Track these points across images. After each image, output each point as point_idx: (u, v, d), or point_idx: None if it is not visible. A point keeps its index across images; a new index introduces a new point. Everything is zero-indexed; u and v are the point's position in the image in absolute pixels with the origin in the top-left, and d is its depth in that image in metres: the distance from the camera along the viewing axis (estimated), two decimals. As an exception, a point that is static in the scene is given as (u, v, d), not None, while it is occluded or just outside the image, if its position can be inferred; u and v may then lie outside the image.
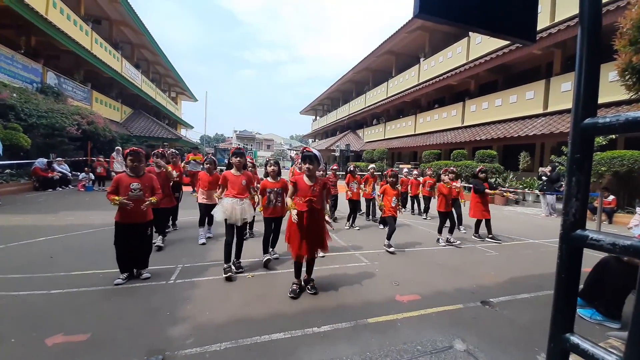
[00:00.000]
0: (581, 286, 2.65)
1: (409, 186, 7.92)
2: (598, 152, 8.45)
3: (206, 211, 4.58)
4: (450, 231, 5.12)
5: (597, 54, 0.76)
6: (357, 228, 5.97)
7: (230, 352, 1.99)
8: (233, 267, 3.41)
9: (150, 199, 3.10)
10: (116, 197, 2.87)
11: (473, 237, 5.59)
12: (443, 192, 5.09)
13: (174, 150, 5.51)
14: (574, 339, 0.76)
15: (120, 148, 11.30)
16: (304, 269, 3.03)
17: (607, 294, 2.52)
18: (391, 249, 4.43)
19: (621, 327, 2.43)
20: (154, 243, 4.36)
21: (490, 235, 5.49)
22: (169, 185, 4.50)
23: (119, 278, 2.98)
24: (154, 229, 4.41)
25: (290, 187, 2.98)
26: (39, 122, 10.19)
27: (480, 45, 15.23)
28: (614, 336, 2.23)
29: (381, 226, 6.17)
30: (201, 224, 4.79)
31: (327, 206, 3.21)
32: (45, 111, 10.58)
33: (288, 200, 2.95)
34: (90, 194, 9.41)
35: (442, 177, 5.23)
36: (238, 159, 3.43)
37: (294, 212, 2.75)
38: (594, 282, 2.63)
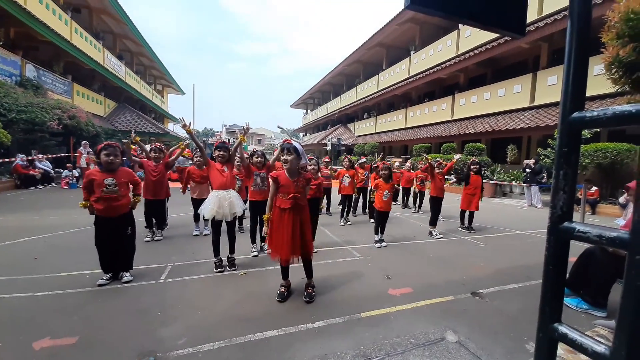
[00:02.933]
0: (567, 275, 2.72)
1: (400, 179, 7.97)
2: (582, 145, 8.68)
3: (198, 206, 4.61)
4: (433, 223, 5.23)
5: (586, 47, 0.76)
6: (350, 223, 5.99)
7: (224, 352, 1.97)
8: (224, 260, 3.39)
9: (134, 198, 3.03)
10: (84, 203, 2.83)
11: (459, 228, 5.72)
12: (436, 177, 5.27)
13: (161, 145, 5.43)
14: (562, 328, 0.77)
15: (87, 142, 10.98)
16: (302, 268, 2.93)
17: (593, 283, 2.60)
18: (377, 245, 4.45)
19: (607, 316, 2.51)
20: (154, 238, 4.36)
21: (465, 225, 5.67)
22: (166, 176, 4.45)
23: (102, 278, 2.90)
24: (154, 225, 4.41)
25: (271, 184, 2.65)
26: (19, 117, 9.78)
27: (470, 38, 15.32)
28: (601, 324, 2.31)
29: (372, 220, 6.22)
30: (196, 219, 4.80)
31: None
32: (25, 105, 10.15)
33: (268, 202, 2.67)
34: (74, 192, 9.13)
35: (436, 170, 5.34)
36: (222, 152, 3.37)
37: (267, 216, 2.60)
38: (580, 271, 2.70)
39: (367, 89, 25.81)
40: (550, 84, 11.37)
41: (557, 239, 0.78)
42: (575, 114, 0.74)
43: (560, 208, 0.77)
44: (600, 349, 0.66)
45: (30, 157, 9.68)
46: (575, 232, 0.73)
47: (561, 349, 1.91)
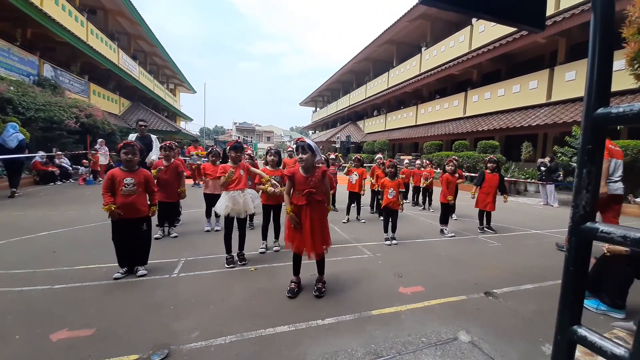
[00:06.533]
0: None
1: (411, 177, 7.90)
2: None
3: (211, 202, 4.67)
4: (444, 222, 5.14)
5: (610, 41, 0.72)
6: (364, 221, 5.97)
7: (235, 346, 2.00)
8: (235, 257, 3.45)
9: (151, 208, 3.12)
10: (107, 206, 2.83)
11: (478, 229, 5.51)
12: (449, 182, 5.12)
13: (171, 143, 5.51)
14: (582, 331, 0.75)
15: (103, 140, 11.30)
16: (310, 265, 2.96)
17: (611, 284, 2.53)
18: (387, 243, 4.43)
19: (625, 317, 2.44)
20: (170, 235, 4.45)
21: (487, 226, 5.48)
22: (178, 178, 4.51)
23: (117, 272, 2.99)
24: (165, 223, 4.48)
25: (287, 182, 2.75)
26: (37, 116, 10.11)
27: (484, 33, 14.94)
28: (619, 326, 2.24)
29: (381, 218, 6.17)
30: (208, 215, 4.87)
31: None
32: (43, 104, 10.49)
33: (285, 197, 2.75)
34: (91, 188, 9.41)
35: (447, 167, 5.20)
36: (237, 153, 3.40)
37: (289, 209, 2.64)
38: (599, 272, 2.63)
39: (376, 86, 25.57)
40: (569, 80, 10.98)
41: (579, 240, 0.76)
42: (600, 110, 0.71)
43: (583, 208, 0.75)
44: (620, 351, 0.64)
45: (49, 155, 10.01)
46: (598, 232, 0.71)
47: (578, 351, 1.86)
